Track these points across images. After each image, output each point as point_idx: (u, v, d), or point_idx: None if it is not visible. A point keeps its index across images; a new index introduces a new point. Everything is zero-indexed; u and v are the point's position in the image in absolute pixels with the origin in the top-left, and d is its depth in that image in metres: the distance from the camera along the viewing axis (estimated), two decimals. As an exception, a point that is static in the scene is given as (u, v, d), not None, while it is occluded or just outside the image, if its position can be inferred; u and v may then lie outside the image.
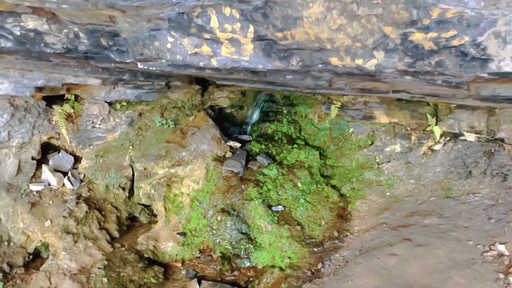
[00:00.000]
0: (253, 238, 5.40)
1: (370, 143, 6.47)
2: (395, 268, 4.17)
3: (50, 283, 4.58)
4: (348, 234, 5.29)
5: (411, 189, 5.75)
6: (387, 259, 4.33)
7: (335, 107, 6.32)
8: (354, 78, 3.43)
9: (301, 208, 5.57)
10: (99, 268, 4.83)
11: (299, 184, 5.83)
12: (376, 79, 3.18)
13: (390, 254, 4.41)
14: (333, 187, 6.14)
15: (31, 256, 5.08)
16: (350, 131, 6.66)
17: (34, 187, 5.48)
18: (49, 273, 4.72)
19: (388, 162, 6.18)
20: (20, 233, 5.10)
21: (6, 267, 4.78)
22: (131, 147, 6.07)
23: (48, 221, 5.13)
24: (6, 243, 5.01)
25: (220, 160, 5.99)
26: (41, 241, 5.11)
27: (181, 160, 5.90)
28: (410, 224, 4.95)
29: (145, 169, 5.87)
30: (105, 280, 4.72)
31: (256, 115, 7.47)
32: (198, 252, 5.49)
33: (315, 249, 5.07)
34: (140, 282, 4.91)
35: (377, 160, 6.29)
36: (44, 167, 5.70)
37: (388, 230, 4.95)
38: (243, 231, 5.44)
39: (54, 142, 6.04)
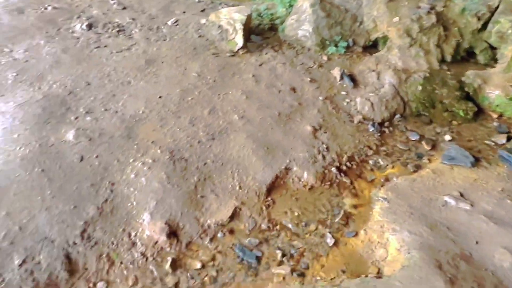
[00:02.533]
0: None
1: None
2: None
3: (376, 68, 5.12)
4: None
5: None
6: None
7: None
8: None
9: None
10: (419, 76, 4.98)
11: None
12: None
13: None
14: None
15: (370, 43, 5.68)
16: None
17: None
18: (378, 61, 5.24)
19: None
20: (371, 20, 5.66)
21: (350, 42, 5.59)
22: (514, -28, 5.17)
23: (397, 17, 5.41)
24: (358, 24, 5.71)
25: None
26: (383, 33, 5.55)
27: None
28: None
29: (516, 1, 5.02)
30: (419, 87, 4.88)
31: None
32: (523, 114, 4.76)
33: None
34: (448, 108, 4.83)
35: None
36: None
37: None
38: None
39: None
